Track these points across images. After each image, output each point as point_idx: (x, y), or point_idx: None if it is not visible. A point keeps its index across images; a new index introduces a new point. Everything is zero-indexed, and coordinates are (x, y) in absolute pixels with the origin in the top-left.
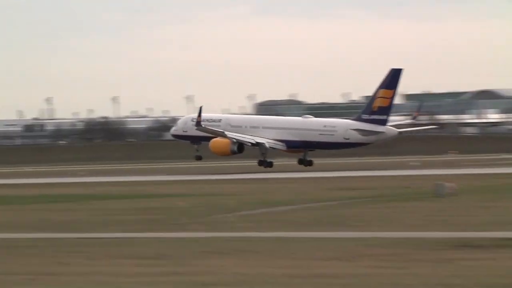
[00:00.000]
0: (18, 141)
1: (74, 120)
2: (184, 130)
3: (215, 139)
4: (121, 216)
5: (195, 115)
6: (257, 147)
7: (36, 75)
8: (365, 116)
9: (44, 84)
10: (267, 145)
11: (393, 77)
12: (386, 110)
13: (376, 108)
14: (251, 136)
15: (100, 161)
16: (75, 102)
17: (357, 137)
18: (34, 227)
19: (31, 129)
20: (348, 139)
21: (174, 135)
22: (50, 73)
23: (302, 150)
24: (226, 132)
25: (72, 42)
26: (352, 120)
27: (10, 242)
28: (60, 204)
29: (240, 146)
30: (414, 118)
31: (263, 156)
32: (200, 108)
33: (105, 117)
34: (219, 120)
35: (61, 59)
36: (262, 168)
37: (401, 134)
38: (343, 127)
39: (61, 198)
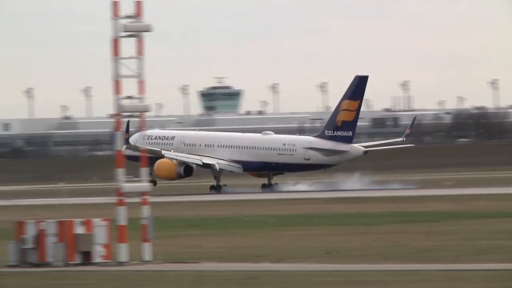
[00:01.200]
0: (364, 140)
1: (437, 112)
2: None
3: (160, 160)
4: (504, 241)
5: (148, 132)
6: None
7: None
8: (328, 132)
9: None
10: (217, 166)
11: (358, 86)
12: (351, 125)
13: (340, 122)
14: (198, 156)
15: (470, 166)
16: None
17: (318, 158)
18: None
19: (382, 123)
20: (308, 159)
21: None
22: None
23: (264, 172)
24: (163, 152)
25: None
26: (314, 137)
27: (352, 276)
28: (418, 224)
29: (188, 168)
30: (406, 136)
31: (216, 180)
32: (128, 122)
33: (481, 108)
34: (172, 138)
35: None
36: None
37: (366, 153)
38: (303, 145)
39: (420, 216)
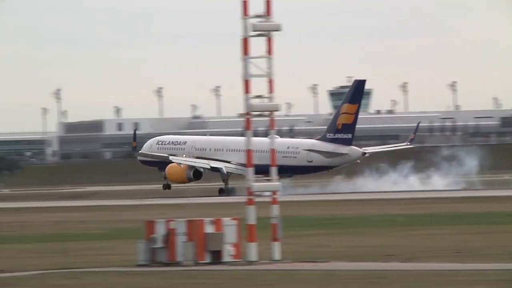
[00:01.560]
0: (493, 139)
1: None
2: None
3: (170, 165)
4: None
5: (161, 137)
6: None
7: None
8: (330, 135)
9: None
10: (224, 170)
11: (357, 89)
12: (351, 127)
13: (340, 125)
14: (206, 160)
15: None
16: None
17: (321, 160)
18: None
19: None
20: (311, 161)
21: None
22: None
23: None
24: (171, 157)
25: None
26: (316, 140)
27: (481, 275)
28: None
29: (197, 172)
30: (410, 140)
31: (224, 183)
32: (135, 131)
33: None
34: (184, 143)
35: None
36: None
37: (364, 155)
38: (305, 148)
39: None
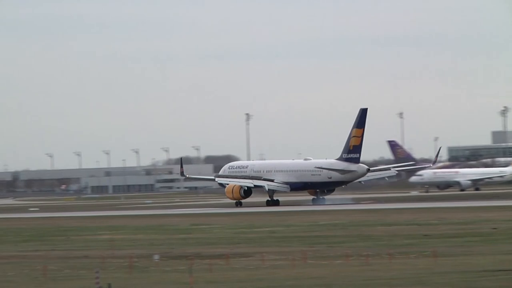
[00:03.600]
0: None
1: None
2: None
3: (228, 185)
4: None
5: (232, 163)
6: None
7: None
8: (344, 155)
9: None
10: (266, 188)
11: (362, 116)
12: (358, 148)
13: (351, 147)
14: (250, 180)
15: None
16: None
17: (338, 176)
18: None
19: None
20: (330, 178)
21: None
22: None
23: (311, 189)
24: (216, 179)
25: None
26: (336, 160)
27: None
28: None
29: (248, 190)
30: (434, 163)
31: (269, 196)
32: (181, 159)
33: None
34: (246, 166)
35: None
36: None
37: (369, 171)
38: (325, 167)
39: None
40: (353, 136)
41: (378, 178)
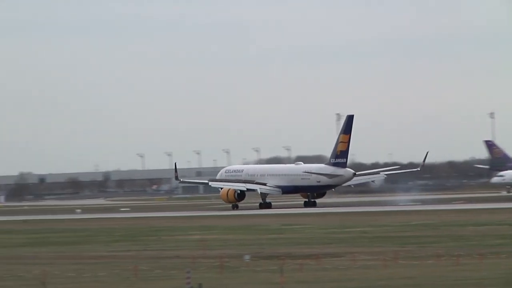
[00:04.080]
0: None
1: None
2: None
3: (223, 189)
4: None
5: (228, 167)
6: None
7: None
8: (332, 160)
9: None
10: (259, 191)
11: (348, 122)
12: (345, 153)
13: (339, 152)
14: (243, 184)
15: None
16: None
17: (326, 180)
18: None
19: None
20: (319, 182)
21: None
22: None
23: (303, 193)
24: (210, 183)
25: None
26: (325, 164)
27: None
28: None
29: (241, 193)
30: (421, 166)
31: (262, 199)
32: (175, 164)
33: None
34: (242, 171)
35: None
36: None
37: (355, 175)
38: (314, 172)
39: None
40: (340, 142)
41: (366, 181)
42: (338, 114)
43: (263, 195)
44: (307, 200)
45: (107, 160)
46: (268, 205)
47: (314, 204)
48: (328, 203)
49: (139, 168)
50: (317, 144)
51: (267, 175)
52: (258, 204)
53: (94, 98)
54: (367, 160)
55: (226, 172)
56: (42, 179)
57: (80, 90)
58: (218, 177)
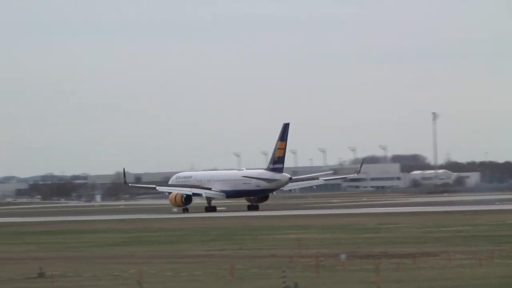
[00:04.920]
0: None
1: None
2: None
3: (171, 193)
4: None
5: (179, 174)
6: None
7: None
8: (270, 166)
9: None
10: (204, 195)
11: (285, 130)
12: (282, 159)
13: (277, 158)
14: (189, 189)
15: None
16: None
17: (265, 185)
18: None
19: None
20: (259, 186)
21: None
22: None
23: (246, 197)
24: (157, 188)
25: None
26: (264, 169)
27: None
28: None
29: (188, 197)
30: (357, 172)
31: (208, 203)
32: (123, 169)
33: None
34: (191, 177)
35: None
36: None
37: (291, 179)
38: (253, 176)
39: None
40: (278, 149)
41: (306, 186)
42: (434, 114)
43: (209, 199)
44: (250, 204)
45: (205, 160)
46: (213, 209)
47: (257, 208)
48: (421, 202)
49: (235, 167)
50: (414, 143)
51: (213, 181)
52: (204, 208)
53: (189, 100)
54: (464, 159)
55: (176, 178)
56: (138, 178)
57: (177, 91)
58: (170, 182)
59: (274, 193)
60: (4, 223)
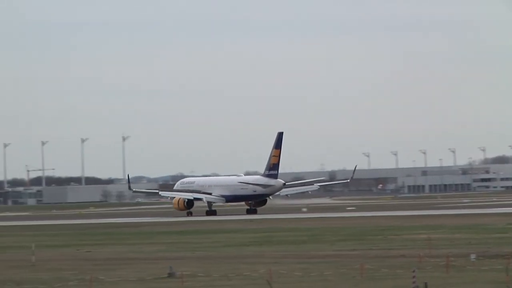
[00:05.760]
0: None
1: None
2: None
3: (175, 198)
4: None
5: (184, 179)
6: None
7: None
8: (266, 172)
9: None
10: (205, 200)
11: (279, 139)
12: (277, 166)
13: (272, 164)
14: (190, 193)
15: None
16: None
17: (261, 190)
18: None
19: None
20: (255, 191)
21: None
22: None
23: (245, 201)
24: (160, 192)
25: None
26: (261, 175)
27: None
28: None
29: (190, 202)
30: (350, 179)
31: (208, 207)
32: (128, 175)
33: None
34: (193, 182)
35: None
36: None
37: (285, 185)
38: (250, 182)
39: None
40: (273, 156)
41: (302, 192)
42: None
43: (209, 204)
44: (249, 208)
45: (333, 160)
46: (213, 212)
47: (255, 212)
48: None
49: (365, 167)
50: None
51: (213, 186)
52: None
53: (310, 98)
54: None
55: (181, 184)
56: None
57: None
58: (175, 188)
59: (270, 197)
60: (134, 223)
